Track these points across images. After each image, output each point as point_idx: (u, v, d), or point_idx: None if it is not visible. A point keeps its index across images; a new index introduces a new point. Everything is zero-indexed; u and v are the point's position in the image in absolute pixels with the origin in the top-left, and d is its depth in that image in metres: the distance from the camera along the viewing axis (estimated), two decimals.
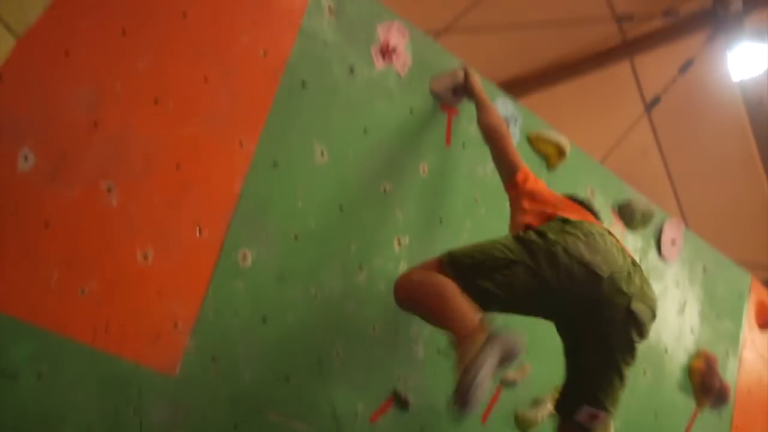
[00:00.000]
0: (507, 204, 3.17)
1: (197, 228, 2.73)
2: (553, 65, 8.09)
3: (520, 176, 3.12)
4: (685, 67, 7.62)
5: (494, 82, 7.79)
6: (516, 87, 7.99)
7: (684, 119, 8.38)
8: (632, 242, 4.02)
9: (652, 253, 4.10)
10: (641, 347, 3.85)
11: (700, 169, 8.67)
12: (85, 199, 2.51)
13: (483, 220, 3.47)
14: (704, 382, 4.06)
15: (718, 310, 4.35)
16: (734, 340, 4.40)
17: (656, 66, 8.02)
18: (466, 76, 3.35)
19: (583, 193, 3.83)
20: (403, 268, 3.16)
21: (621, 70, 8.14)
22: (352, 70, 3.11)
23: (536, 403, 3.48)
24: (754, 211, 8.86)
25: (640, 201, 4.02)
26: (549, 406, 3.42)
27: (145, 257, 2.61)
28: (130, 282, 2.58)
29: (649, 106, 8.00)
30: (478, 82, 3.35)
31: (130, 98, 2.62)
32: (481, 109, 3.30)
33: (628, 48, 8.02)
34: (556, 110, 8.14)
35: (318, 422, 2.92)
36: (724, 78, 7.86)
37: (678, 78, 7.66)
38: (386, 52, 3.18)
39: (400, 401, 3.13)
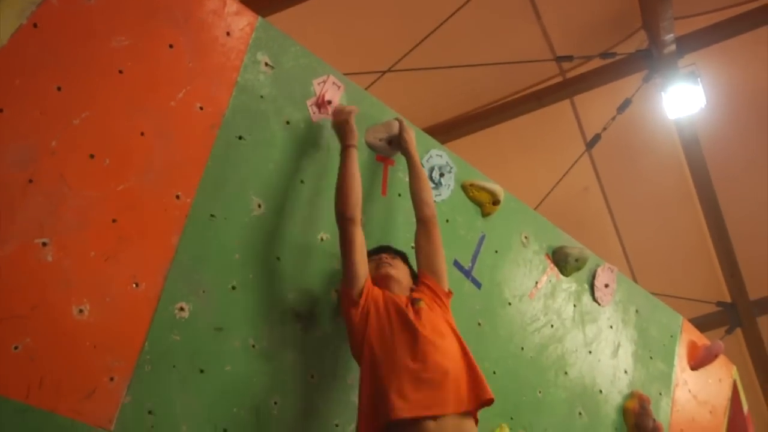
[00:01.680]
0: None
1: (134, 281, 2.75)
2: (495, 104, 8.23)
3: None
4: (623, 106, 7.79)
5: (437, 121, 7.97)
6: (459, 126, 8.12)
7: (623, 156, 8.56)
8: (566, 286, 4.11)
9: (586, 297, 4.18)
10: (576, 387, 3.95)
11: (639, 204, 8.85)
12: (20, 254, 2.52)
13: None
14: (638, 423, 4.12)
15: (651, 351, 4.44)
16: (667, 380, 4.49)
17: (596, 105, 8.19)
18: (401, 128, 3.40)
19: (517, 240, 3.92)
20: (341, 317, 3.20)
21: (562, 109, 8.31)
22: (288, 123, 3.16)
23: None
24: (692, 245, 9.06)
25: (574, 246, 4.10)
26: None
27: (81, 311, 2.62)
28: (66, 337, 2.58)
29: (590, 143, 8.15)
30: (412, 137, 3.41)
31: (65, 154, 2.64)
32: (414, 169, 3.38)
33: (568, 87, 8.19)
34: (499, 148, 8.30)
35: None
36: (661, 117, 8.07)
37: (617, 117, 7.83)
38: (322, 104, 3.24)
39: None
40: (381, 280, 3.14)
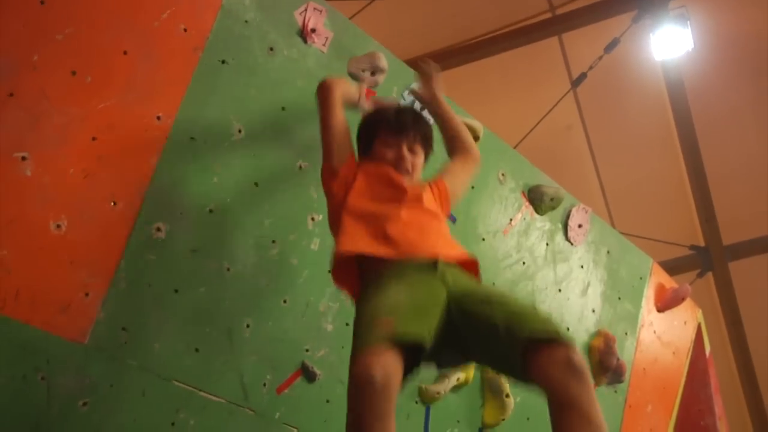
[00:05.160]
0: None
1: (112, 200, 2.77)
2: (483, 38, 8.18)
3: None
4: (611, 46, 7.78)
5: (423, 52, 7.91)
6: (446, 58, 8.08)
7: (608, 97, 8.57)
8: (540, 225, 4.17)
9: (559, 236, 4.23)
10: None
11: (621, 145, 8.89)
12: None
13: None
14: (602, 361, 4.22)
15: (620, 292, 4.51)
16: (633, 321, 4.57)
17: (584, 43, 8.17)
18: (425, 80, 3.30)
19: (494, 177, 3.96)
20: (316, 245, 3.24)
21: (550, 46, 8.28)
22: (272, 49, 3.15)
23: (440, 378, 3.59)
24: (670, 188, 9.13)
25: (550, 186, 4.14)
26: (452, 381, 3.55)
27: (59, 227, 2.65)
28: (43, 251, 2.61)
29: (576, 82, 8.15)
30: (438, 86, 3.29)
31: (47, 69, 2.64)
32: (450, 118, 3.27)
33: (557, 24, 8.15)
34: (484, 82, 8.28)
35: (226, 392, 2.99)
36: (648, 58, 8.07)
37: (604, 56, 7.82)
38: (308, 34, 3.23)
39: (307, 373, 3.22)
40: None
